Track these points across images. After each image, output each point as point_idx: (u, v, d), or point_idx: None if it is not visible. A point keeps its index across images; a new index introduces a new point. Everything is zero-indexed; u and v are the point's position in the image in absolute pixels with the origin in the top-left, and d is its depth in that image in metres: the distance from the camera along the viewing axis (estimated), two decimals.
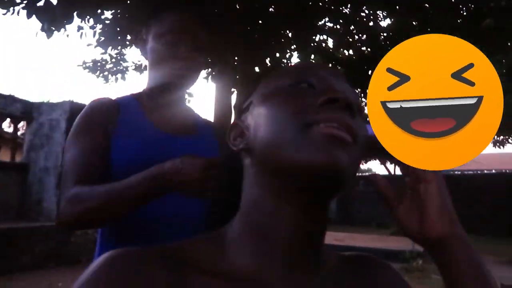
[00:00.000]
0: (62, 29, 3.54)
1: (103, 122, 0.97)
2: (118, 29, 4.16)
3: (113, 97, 1.07)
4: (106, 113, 0.99)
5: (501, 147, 12.43)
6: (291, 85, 0.47)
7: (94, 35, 4.18)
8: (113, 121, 0.98)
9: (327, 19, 4.18)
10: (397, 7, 3.58)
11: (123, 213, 0.84)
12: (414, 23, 3.82)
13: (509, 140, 12.27)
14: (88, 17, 3.88)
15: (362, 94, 6.22)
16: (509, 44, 4.15)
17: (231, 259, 0.45)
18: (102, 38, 4.19)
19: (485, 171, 14.06)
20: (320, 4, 3.85)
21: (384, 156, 0.48)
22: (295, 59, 4.75)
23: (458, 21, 3.71)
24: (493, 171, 13.83)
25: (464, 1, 3.51)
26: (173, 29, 1.01)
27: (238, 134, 0.51)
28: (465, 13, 3.57)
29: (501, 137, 12.14)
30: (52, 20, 3.19)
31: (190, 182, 0.77)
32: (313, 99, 0.44)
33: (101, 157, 0.94)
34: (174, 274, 0.42)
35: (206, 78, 3.99)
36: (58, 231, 5.22)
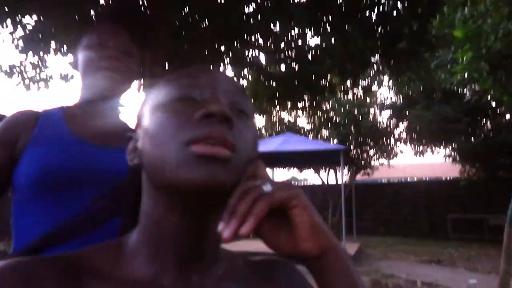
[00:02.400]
0: None
1: (12, 138, 0.96)
2: (41, 35, 3.94)
3: (40, 109, 1.05)
4: (21, 127, 0.97)
5: (421, 156, 13.50)
6: (175, 99, 0.47)
7: (13, 41, 3.91)
8: (26, 135, 0.96)
9: (258, 35, 4.32)
10: (321, 28, 3.81)
11: None
12: (337, 43, 4.09)
13: (427, 150, 13.38)
14: (5, 21, 3.64)
15: (293, 108, 6.48)
16: (424, 67, 4.59)
17: (129, 266, 0.48)
18: (22, 44, 3.94)
19: (408, 179, 15.19)
20: (252, 21, 3.97)
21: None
22: (229, 73, 4.82)
23: (377, 42, 4.03)
24: (415, 179, 14.98)
25: (381, 25, 3.83)
26: (101, 34, 1.02)
27: (132, 149, 0.52)
28: (382, 36, 3.90)
29: (421, 147, 13.20)
30: None
31: None
32: (192, 113, 0.45)
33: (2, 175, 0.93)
34: (69, 279, 0.42)
35: (138, 89, 3.92)
36: None
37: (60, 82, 5.72)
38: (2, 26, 3.77)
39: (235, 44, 4.24)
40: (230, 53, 4.22)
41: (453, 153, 12.93)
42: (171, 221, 0.47)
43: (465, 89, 9.04)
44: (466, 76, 5.28)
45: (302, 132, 14.42)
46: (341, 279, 0.45)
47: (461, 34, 4.70)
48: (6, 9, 3.42)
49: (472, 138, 11.88)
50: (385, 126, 13.84)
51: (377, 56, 4.51)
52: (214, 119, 0.44)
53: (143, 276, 0.47)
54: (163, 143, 0.45)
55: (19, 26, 3.90)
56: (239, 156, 0.45)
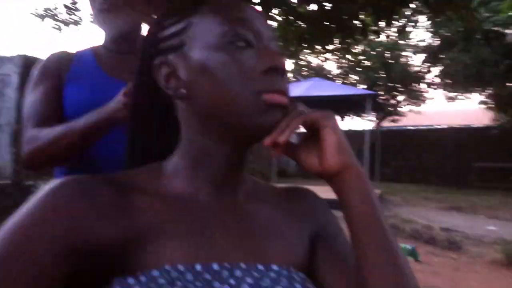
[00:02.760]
0: None
1: (56, 72, 1.06)
2: None
3: (73, 51, 1.14)
4: (60, 63, 1.07)
5: (453, 101, 13.04)
6: (230, 42, 0.51)
7: None
8: (66, 70, 1.06)
9: None
10: None
11: (75, 146, 0.92)
12: None
13: (460, 97, 12.89)
14: None
15: (324, 50, 6.28)
16: (465, 4, 4.30)
17: (170, 184, 0.54)
18: None
19: (436, 126, 14.84)
20: None
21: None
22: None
23: None
24: (443, 126, 14.60)
25: None
26: None
27: (168, 75, 0.54)
28: None
29: (454, 93, 12.72)
30: None
31: (118, 117, 0.86)
32: (256, 64, 0.50)
33: (54, 103, 1.03)
34: (119, 194, 0.49)
35: None
36: (15, 188, 5.14)
37: (90, 25, 5.72)
38: None
39: None
40: None
41: (487, 99, 12.41)
42: (218, 150, 0.53)
43: (507, 30, 8.45)
44: (510, 15, 4.93)
45: (330, 76, 14.09)
46: (357, 194, 0.50)
47: None
48: None
49: (510, 83, 11.29)
50: (417, 70, 13.30)
51: None
52: (276, 72, 0.50)
53: (182, 192, 0.53)
54: (234, 90, 0.49)
55: None
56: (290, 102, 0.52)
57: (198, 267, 0.46)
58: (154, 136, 0.60)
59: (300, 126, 0.51)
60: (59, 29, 4.63)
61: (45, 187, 0.46)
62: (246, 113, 0.49)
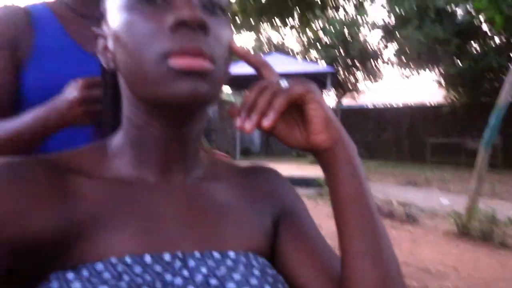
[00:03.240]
0: None
1: (10, 37, 0.82)
2: None
3: (21, 4, 0.88)
4: (16, 25, 0.83)
5: (407, 79, 13.52)
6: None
7: None
8: (26, 34, 0.83)
9: None
10: None
11: (23, 148, 0.75)
12: None
13: (414, 74, 13.35)
14: None
15: (284, 25, 6.18)
16: None
17: (114, 165, 0.49)
18: None
19: (393, 105, 15.33)
20: None
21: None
22: None
23: None
24: (400, 104, 15.12)
25: None
26: None
27: (103, 48, 0.49)
28: None
29: (409, 70, 13.14)
30: None
31: (71, 116, 0.70)
32: (163, 20, 0.41)
33: (8, 80, 0.82)
34: (57, 177, 0.43)
35: None
36: None
37: None
38: None
39: None
40: None
41: (439, 77, 12.93)
42: (153, 127, 0.47)
43: (458, 8, 8.74)
44: None
45: (290, 53, 14.09)
46: (344, 166, 0.47)
47: None
48: None
49: (460, 62, 11.81)
50: (374, 48, 13.58)
51: None
52: (187, 27, 0.41)
53: (127, 175, 0.48)
54: (137, 54, 0.42)
55: None
56: (218, 65, 0.43)
57: (148, 258, 0.42)
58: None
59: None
60: None
61: None
62: (153, 83, 0.41)
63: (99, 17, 0.51)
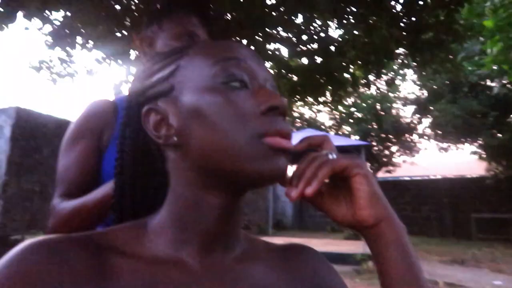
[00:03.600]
0: (5, 28, 3.39)
1: (97, 127, 0.93)
2: (68, 31, 4.03)
3: (111, 98, 1.02)
4: (102, 117, 0.95)
5: (445, 152, 13.19)
6: (223, 83, 0.47)
7: (41, 37, 4.01)
8: (110, 125, 0.93)
9: (280, 28, 4.29)
10: (344, 19, 3.75)
11: (88, 221, 0.84)
12: (360, 34, 4.02)
13: (452, 147, 13.05)
14: (34, 17, 3.74)
15: (316, 102, 6.42)
16: (449, 56, 4.47)
17: (153, 245, 0.48)
18: (50, 40, 4.04)
19: (431, 177, 14.84)
20: (274, 14, 3.95)
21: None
22: None
23: (402, 33, 3.94)
24: (438, 176, 14.62)
25: (406, 14, 3.74)
26: (189, 28, 1.02)
27: (158, 123, 0.49)
28: (407, 26, 3.81)
29: (445, 144, 12.88)
30: None
31: None
32: (254, 105, 0.46)
33: (90, 169, 0.91)
34: (95, 257, 0.43)
35: None
36: (0, 242, 4.92)
37: (86, 77, 5.85)
38: (30, 21, 3.87)
39: (257, 37, 4.22)
40: (252, 46, 4.21)
41: (479, 150, 12.56)
42: (211, 201, 0.47)
43: (493, 82, 8.76)
44: (494, 68, 5.10)
45: (323, 128, 14.31)
46: (394, 248, 0.46)
47: (491, 24, 4.53)
48: (34, 5, 3.51)
49: (500, 134, 11.51)
50: (408, 121, 13.58)
51: (401, 49, 4.42)
52: (276, 112, 0.46)
53: (165, 255, 0.47)
54: (231, 133, 0.44)
55: (47, 22, 3.99)
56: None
57: None
58: (143, 191, 0.53)
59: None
60: (54, 81, 4.68)
61: (12, 250, 0.40)
62: (246, 159, 0.44)
63: (154, 95, 0.51)
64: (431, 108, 11.72)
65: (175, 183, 0.49)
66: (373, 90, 12.42)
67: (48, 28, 4.04)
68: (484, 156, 12.33)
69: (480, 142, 11.97)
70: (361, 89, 11.66)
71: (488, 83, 10.31)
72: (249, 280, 0.50)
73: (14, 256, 0.39)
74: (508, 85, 6.45)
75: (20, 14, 3.48)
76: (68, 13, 3.80)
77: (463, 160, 15.91)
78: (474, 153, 12.70)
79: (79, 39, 4.27)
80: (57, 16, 3.93)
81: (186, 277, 0.46)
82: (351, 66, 4.65)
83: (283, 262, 0.55)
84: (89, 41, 4.26)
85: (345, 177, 0.47)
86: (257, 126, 0.45)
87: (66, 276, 0.40)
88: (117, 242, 0.47)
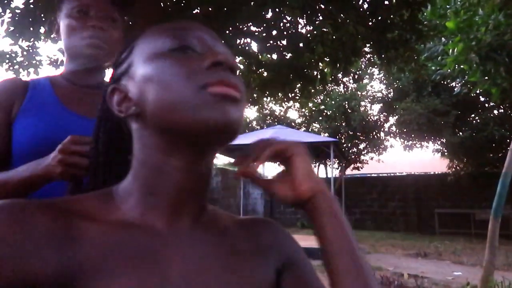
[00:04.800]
0: None
1: (7, 101, 0.95)
2: (31, 19, 3.88)
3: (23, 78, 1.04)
4: (11, 92, 0.97)
5: (410, 151, 13.64)
6: (174, 49, 0.49)
7: (1, 24, 3.84)
8: (18, 100, 0.96)
9: (250, 23, 4.30)
10: (314, 16, 3.81)
11: (13, 197, 0.82)
12: (328, 31, 4.10)
13: (417, 145, 13.50)
14: None
15: (285, 99, 6.48)
16: (413, 55, 4.63)
17: (120, 211, 0.49)
18: (12, 28, 3.87)
19: (397, 174, 15.31)
20: (244, 8, 3.95)
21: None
22: None
23: (369, 31, 4.04)
24: (404, 173, 15.10)
25: (372, 13, 3.84)
26: (81, 2, 1.00)
27: (121, 100, 0.52)
28: (373, 24, 3.91)
29: (410, 142, 13.31)
30: None
31: (54, 173, 0.76)
32: (199, 62, 0.48)
33: (2, 139, 0.92)
34: (59, 221, 0.43)
35: None
36: None
37: (50, 68, 5.64)
38: None
39: (227, 31, 4.22)
40: (222, 40, 4.20)
41: (441, 147, 13.07)
42: (172, 165, 0.49)
43: (454, 82, 9.14)
44: (456, 68, 5.33)
45: (293, 125, 14.45)
46: (327, 216, 0.51)
47: (453, 25, 4.73)
48: None
49: (460, 132, 12.02)
50: (375, 119, 13.94)
51: (367, 47, 4.54)
52: (221, 67, 0.48)
53: (133, 220, 0.48)
54: (177, 88, 0.46)
55: (7, 10, 3.83)
56: (243, 98, 0.50)
57: None
58: (115, 171, 0.57)
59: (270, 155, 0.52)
60: (17, 72, 4.48)
61: None
62: (193, 110, 0.45)
63: (117, 76, 0.55)
64: (397, 107, 12.08)
65: (138, 151, 0.51)
66: (341, 88, 12.68)
67: (9, 16, 3.87)
68: (446, 153, 12.85)
69: (443, 140, 12.47)
70: (330, 87, 11.90)
71: (451, 83, 10.74)
72: (215, 248, 0.51)
73: None
74: (469, 85, 6.75)
75: None
76: (30, 0, 3.65)
77: (427, 158, 16.53)
78: (437, 150, 13.22)
79: (42, 29, 4.11)
80: (18, 3, 3.77)
81: (153, 240, 0.47)
82: (319, 63, 4.72)
83: (248, 234, 0.57)
84: (53, 30, 4.11)
85: (286, 158, 0.52)
86: (201, 79, 0.47)
87: (28, 238, 0.40)
88: (82, 208, 0.47)
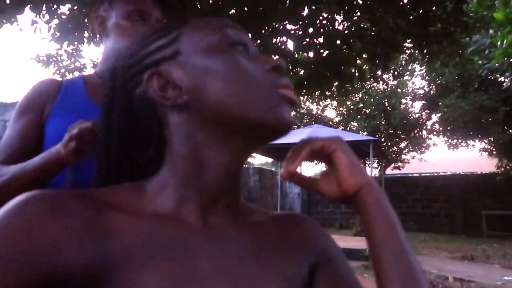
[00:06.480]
0: (14, 22, 3.43)
1: (40, 103, 1.00)
2: (73, 25, 4.06)
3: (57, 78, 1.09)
4: (45, 93, 1.01)
5: (455, 150, 13.03)
6: (230, 46, 0.50)
7: (49, 30, 4.05)
8: (50, 101, 1.00)
9: (286, 22, 4.26)
10: (351, 12, 3.72)
11: (26, 187, 0.87)
12: (366, 26, 3.98)
13: (462, 144, 12.88)
14: (42, 11, 3.77)
15: (322, 97, 6.37)
16: (458, 49, 4.40)
17: (154, 204, 0.48)
18: (58, 33, 4.07)
19: (441, 173, 14.68)
20: (279, 7, 3.93)
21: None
22: None
23: (409, 25, 3.89)
24: (448, 172, 14.46)
25: (413, 6, 3.69)
26: (142, 6, 1.03)
27: (163, 85, 0.50)
28: (414, 18, 3.76)
29: (455, 140, 12.72)
30: (1, 11, 3.08)
31: (65, 155, 0.80)
32: (259, 64, 0.50)
33: (31, 140, 0.98)
34: (94, 213, 0.43)
35: None
36: None
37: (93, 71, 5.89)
38: (39, 16, 3.90)
39: (263, 31, 4.20)
40: (258, 39, 4.19)
41: (489, 146, 12.38)
42: (217, 161, 0.49)
43: (503, 77, 8.62)
44: (505, 62, 5.02)
45: (331, 124, 14.23)
46: (374, 210, 0.50)
47: (502, 16, 4.45)
48: None
49: (510, 129, 11.32)
50: (417, 117, 13.43)
51: (408, 41, 4.37)
52: (279, 71, 0.51)
53: (167, 211, 0.48)
54: (252, 84, 0.48)
55: (54, 15, 4.03)
56: None
57: None
58: (132, 163, 0.54)
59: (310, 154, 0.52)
60: (63, 75, 4.73)
61: (8, 204, 0.40)
62: (266, 106, 0.48)
63: (155, 61, 0.51)
64: (440, 103, 11.55)
65: (179, 144, 0.50)
66: (381, 85, 12.32)
67: (55, 21, 4.08)
68: (495, 152, 12.15)
69: (490, 138, 11.80)
70: (369, 84, 11.58)
71: (499, 77, 10.14)
72: (248, 244, 0.51)
73: (14, 207, 0.40)
74: None
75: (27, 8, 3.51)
76: (75, 6, 3.82)
77: (473, 157, 15.72)
78: (484, 149, 12.53)
79: (86, 33, 4.29)
80: (64, 9, 3.96)
81: (185, 233, 0.47)
82: (358, 59, 4.61)
83: (282, 230, 0.57)
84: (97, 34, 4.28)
85: (328, 156, 0.52)
86: (271, 79, 0.50)
87: (64, 230, 0.40)
88: (114, 199, 0.47)
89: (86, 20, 4.02)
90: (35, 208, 0.40)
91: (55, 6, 3.83)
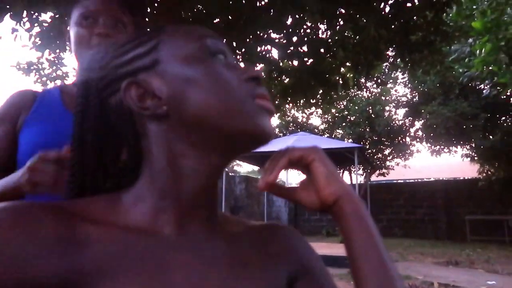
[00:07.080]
0: None
1: (14, 113, 0.98)
2: (55, 32, 4.01)
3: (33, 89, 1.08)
4: (20, 103, 1.00)
5: (438, 156, 13.25)
6: (210, 54, 0.50)
7: (30, 38, 3.99)
8: (25, 112, 0.99)
9: (270, 30, 4.30)
10: (334, 20, 3.77)
11: None
12: (349, 35, 4.04)
13: (445, 150, 13.11)
14: (23, 19, 3.71)
15: (307, 105, 6.43)
16: (438, 58, 4.50)
17: (129, 216, 0.47)
18: (39, 41, 4.01)
19: (425, 179, 14.90)
20: (264, 15, 3.96)
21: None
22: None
23: (391, 34, 3.96)
24: (432, 178, 14.68)
25: (395, 15, 3.77)
26: (90, 6, 0.99)
27: (141, 95, 0.48)
28: (396, 27, 3.83)
29: (438, 146, 12.95)
30: None
31: (21, 186, 0.74)
32: (237, 74, 0.50)
33: (5, 150, 0.95)
34: (65, 225, 0.42)
35: None
36: None
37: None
38: (20, 24, 3.84)
39: (247, 39, 4.23)
40: (242, 47, 4.21)
41: (471, 152, 12.63)
42: (198, 170, 0.48)
43: (483, 84, 8.85)
44: (484, 70, 5.15)
45: (316, 131, 14.34)
46: (353, 219, 0.50)
47: (480, 25, 4.58)
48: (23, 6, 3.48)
49: (491, 136, 11.59)
50: (400, 124, 13.65)
51: (391, 50, 4.45)
52: (256, 81, 0.51)
53: (142, 223, 0.47)
54: (232, 94, 0.48)
55: (36, 23, 3.97)
56: None
57: None
58: (105, 175, 0.52)
59: (287, 164, 0.51)
60: (44, 84, 4.65)
61: None
62: (245, 116, 0.48)
63: (132, 70, 0.50)
64: (423, 110, 11.77)
65: (159, 154, 0.48)
66: (365, 93, 12.49)
67: (37, 29, 4.02)
68: (476, 158, 12.41)
69: (472, 144, 12.05)
70: (353, 92, 11.73)
71: (479, 85, 10.40)
72: (224, 255, 0.50)
73: None
74: (498, 87, 6.51)
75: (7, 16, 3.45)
76: (56, 15, 3.78)
77: (456, 163, 16.02)
78: (466, 155, 12.77)
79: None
80: (46, 17, 3.91)
81: (159, 245, 0.46)
82: (341, 68, 4.66)
83: (261, 240, 0.56)
84: None
85: (306, 165, 0.52)
86: (249, 89, 0.49)
87: (31, 241, 0.39)
88: (88, 211, 0.46)
89: (68, 28, 3.98)
90: (5, 222, 0.39)
91: (36, 14, 3.78)
